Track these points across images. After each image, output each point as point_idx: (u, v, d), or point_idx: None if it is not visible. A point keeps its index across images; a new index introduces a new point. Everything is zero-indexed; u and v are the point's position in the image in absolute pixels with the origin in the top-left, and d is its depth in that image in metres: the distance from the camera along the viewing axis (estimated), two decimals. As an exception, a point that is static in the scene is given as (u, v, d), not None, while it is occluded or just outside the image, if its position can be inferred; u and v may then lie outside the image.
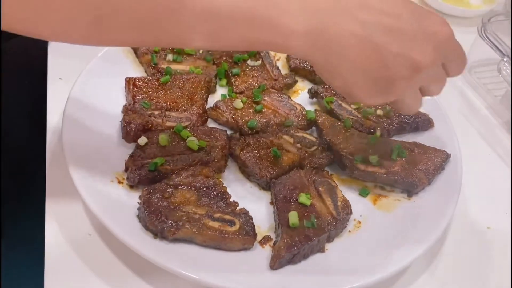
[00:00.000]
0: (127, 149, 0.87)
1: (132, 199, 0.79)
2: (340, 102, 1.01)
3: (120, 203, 0.78)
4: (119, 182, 0.82)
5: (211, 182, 0.81)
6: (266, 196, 0.86)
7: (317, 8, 0.60)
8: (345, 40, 0.60)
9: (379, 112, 1.00)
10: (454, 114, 1.09)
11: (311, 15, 0.59)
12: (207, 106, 0.97)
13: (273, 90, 1.02)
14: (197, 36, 0.58)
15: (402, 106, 0.70)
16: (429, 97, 1.04)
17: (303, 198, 0.81)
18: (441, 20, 0.64)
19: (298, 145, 0.91)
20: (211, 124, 0.96)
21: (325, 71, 0.64)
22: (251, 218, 0.78)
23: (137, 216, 0.76)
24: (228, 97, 1.00)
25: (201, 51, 1.05)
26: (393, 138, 0.98)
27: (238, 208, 0.80)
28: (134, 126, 0.88)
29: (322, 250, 0.78)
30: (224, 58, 1.06)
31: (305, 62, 1.09)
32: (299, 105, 1.00)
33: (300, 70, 1.09)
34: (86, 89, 0.92)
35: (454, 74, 0.71)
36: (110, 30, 0.57)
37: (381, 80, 0.62)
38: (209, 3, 0.56)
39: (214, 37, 0.59)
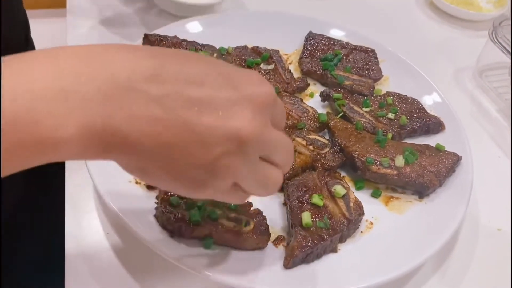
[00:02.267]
0: (144, 151, 0.89)
1: (149, 199, 0.81)
2: (351, 105, 1.03)
3: (138, 203, 0.80)
4: (137, 183, 0.84)
5: (226, 183, 0.83)
6: (279, 197, 0.88)
7: (90, 98, 0.42)
8: (140, 129, 0.44)
9: (390, 115, 1.01)
10: (465, 117, 1.10)
11: (83, 109, 0.42)
12: (222, 109, 0.98)
13: (285, 93, 1.03)
14: None
15: (247, 186, 0.53)
16: (439, 100, 1.06)
17: (316, 199, 0.82)
18: (258, 78, 0.50)
19: (311, 147, 0.92)
20: (225, 126, 0.98)
21: (128, 170, 0.49)
22: (265, 218, 0.80)
23: (155, 215, 0.78)
24: (241, 100, 1.02)
25: (215, 55, 1.07)
26: (405, 141, 0.99)
27: (252, 208, 0.81)
28: (151, 128, 0.90)
29: (334, 250, 0.80)
30: (238, 62, 1.08)
31: (317, 65, 1.11)
32: (311, 108, 1.01)
33: (312, 74, 1.11)
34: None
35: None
36: None
37: (202, 164, 0.47)
38: None
39: None
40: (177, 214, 0.76)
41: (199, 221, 0.75)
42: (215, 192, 0.52)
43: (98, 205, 0.86)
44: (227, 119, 0.46)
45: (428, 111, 1.04)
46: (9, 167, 0.42)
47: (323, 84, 1.10)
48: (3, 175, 0.42)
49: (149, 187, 0.83)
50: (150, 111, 0.44)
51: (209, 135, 0.46)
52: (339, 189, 0.85)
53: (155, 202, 0.80)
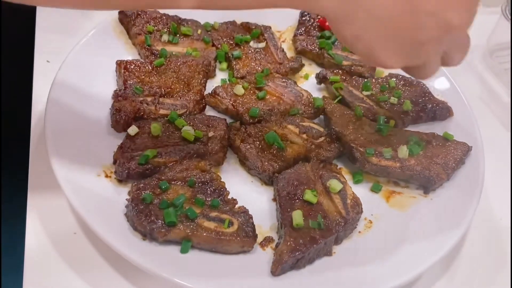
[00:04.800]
0: (117, 140, 0.79)
1: (120, 195, 0.72)
2: (350, 89, 0.93)
3: (107, 200, 0.71)
4: (107, 176, 0.74)
5: (207, 176, 0.74)
6: (268, 192, 0.79)
7: None
8: None
9: (393, 100, 0.91)
10: (475, 101, 1.01)
11: None
12: (205, 92, 0.89)
13: (277, 74, 0.94)
14: None
15: (419, 71, 0.65)
16: (447, 84, 0.97)
17: (309, 195, 0.73)
18: None
19: (304, 135, 0.83)
20: (209, 112, 0.88)
21: (348, 29, 0.57)
22: (251, 218, 0.71)
23: (125, 214, 0.69)
24: (228, 82, 0.92)
25: (199, 31, 0.97)
26: (409, 129, 0.90)
27: (237, 206, 0.72)
28: (125, 114, 0.80)
29: (329, 253, 0.71)
30: (225, 39, 0.98)
31: (313, 44, 1.01)
32: (306, 91, 0.91)
33: (307, 53, 1.01)
34: (73, 73, 0.85)
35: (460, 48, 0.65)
36: None
37: (410, 40, 0.57)
38: None
39: None
40: (149, 214, 0.66)
41: (175, 222, 0.66)
42: (405, 64, 0.61)
43: (65, 200, 0.76)
44: (446, 10, 0.55)
45: (435, 96, 0.94)
46: None
47: (319, 65, 1.01)
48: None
49: (120, 182, 0.74)
50: None
51: (426, 19, 0.55)
52: (335, 184, 0.75)
53: (126, 199, 0.71)
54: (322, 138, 0.84)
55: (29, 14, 1.03)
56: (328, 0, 0.54)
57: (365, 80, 0.95)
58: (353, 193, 0.76)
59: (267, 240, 0.72)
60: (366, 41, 0.58)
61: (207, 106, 0.88)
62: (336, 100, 0.91)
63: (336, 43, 1.02)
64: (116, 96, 0.84)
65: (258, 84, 0.90)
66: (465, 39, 0.64)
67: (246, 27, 1.01)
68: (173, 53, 0.92)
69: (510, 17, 1.04)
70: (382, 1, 0.54)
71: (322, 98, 0.90)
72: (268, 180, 0.79)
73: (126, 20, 0.95)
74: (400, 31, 0.56)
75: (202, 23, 0.99)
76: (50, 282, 0.68)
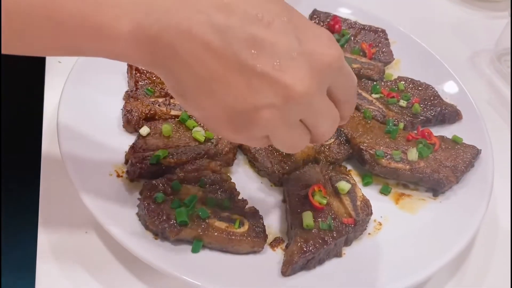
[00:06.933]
0: (128, 140, 0.80)
1: (132, 194, 0.73)
2: (360, 91, 0.93)
3: (119, 199, 0.72)
4: (118, 176, 0.75)
5: (218, 177, 0.74)
6: (278, 193, 0.79)
7: (155, 3, 0.44)
8: (191, 51, 0.44)
9: (402, 103, 0.92)
10: (483, 105, 1.01)
11: (144, 10, 0.44)
12: (216, 94, 0.89)
13: (287, 77, 0.94)
14: None
15: (276, 143, 0.52)
16: (456, 87, 0.97)
17: (319, 197, 0.73)
18: (328, 36, 0.48)
19: (314, 137, 0.84)
20: (219, 113, 0.89)
21: (172, 91, 0.49)
22: (262, 218, 0.71)
23: (137, 213, 0.70)
24: (238, 84, 0.93)
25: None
26: (417, 131, 0.90)
27: (247, 206, 0.73)
28: (136, 114, 0.81)
29: (339, 254, 0.71)
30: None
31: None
32: (315, 93, 0.92)
33: (316, 56, 1.01)
34: (85, 74, 0.85)
35: (343, 114, 0.54)
36: None
37: (242, 109, 0.46)
38: None
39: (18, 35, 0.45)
40: (161, 213, 0.67)
41: (187, 221, 0.66)
42: (246, 139, 0.52)
43: (76, 200, 0.77)
44: (281, 71, 0.45)
45: (444, 99, 0.95)
46: (61, 46, 0.47)
47: (328, 67, 1.01)
48: (53, 53, 0.52)
49: (132, 181, 0.75)
50: (208, 36, 0.43)
51: (259, 82, 0.45)
52: (343, 185, 0.76)
53: (138, 199, 0.71)
54: (332, 140, 0.84)
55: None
56: (126, 52, 0.46)
57: (374, 82, 0.95)
58: (363, 195, 0.77)
59: (277, 241, 0.72)
60: (193, 107, 0.49)
61: (217, 108, 0.89)
62: (345, 103, 0.91)
63: (345, 46, 1.02)
64: (128, 97, 0.85)
65: (268, 86, 0.90)
66: (325, 106, 0.51)
67: (256, 29, 1.01)
68: (184, 54, 0.93)
69: (518, 21, 1.05)
70: (198, 57, 0.44)
71: (332, 101, 0.91)
72: (278, 181, 0.79)
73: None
74: (227, 97, 0.46)
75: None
76: (62, 281, 0.69)
